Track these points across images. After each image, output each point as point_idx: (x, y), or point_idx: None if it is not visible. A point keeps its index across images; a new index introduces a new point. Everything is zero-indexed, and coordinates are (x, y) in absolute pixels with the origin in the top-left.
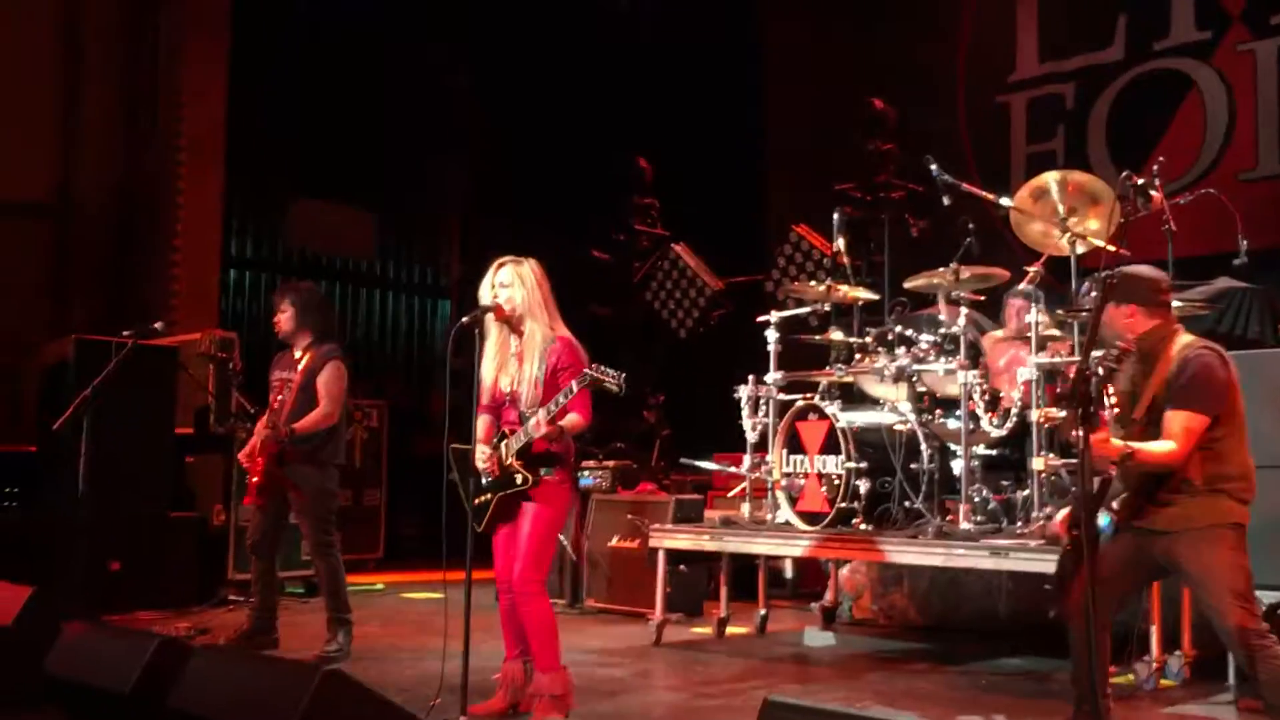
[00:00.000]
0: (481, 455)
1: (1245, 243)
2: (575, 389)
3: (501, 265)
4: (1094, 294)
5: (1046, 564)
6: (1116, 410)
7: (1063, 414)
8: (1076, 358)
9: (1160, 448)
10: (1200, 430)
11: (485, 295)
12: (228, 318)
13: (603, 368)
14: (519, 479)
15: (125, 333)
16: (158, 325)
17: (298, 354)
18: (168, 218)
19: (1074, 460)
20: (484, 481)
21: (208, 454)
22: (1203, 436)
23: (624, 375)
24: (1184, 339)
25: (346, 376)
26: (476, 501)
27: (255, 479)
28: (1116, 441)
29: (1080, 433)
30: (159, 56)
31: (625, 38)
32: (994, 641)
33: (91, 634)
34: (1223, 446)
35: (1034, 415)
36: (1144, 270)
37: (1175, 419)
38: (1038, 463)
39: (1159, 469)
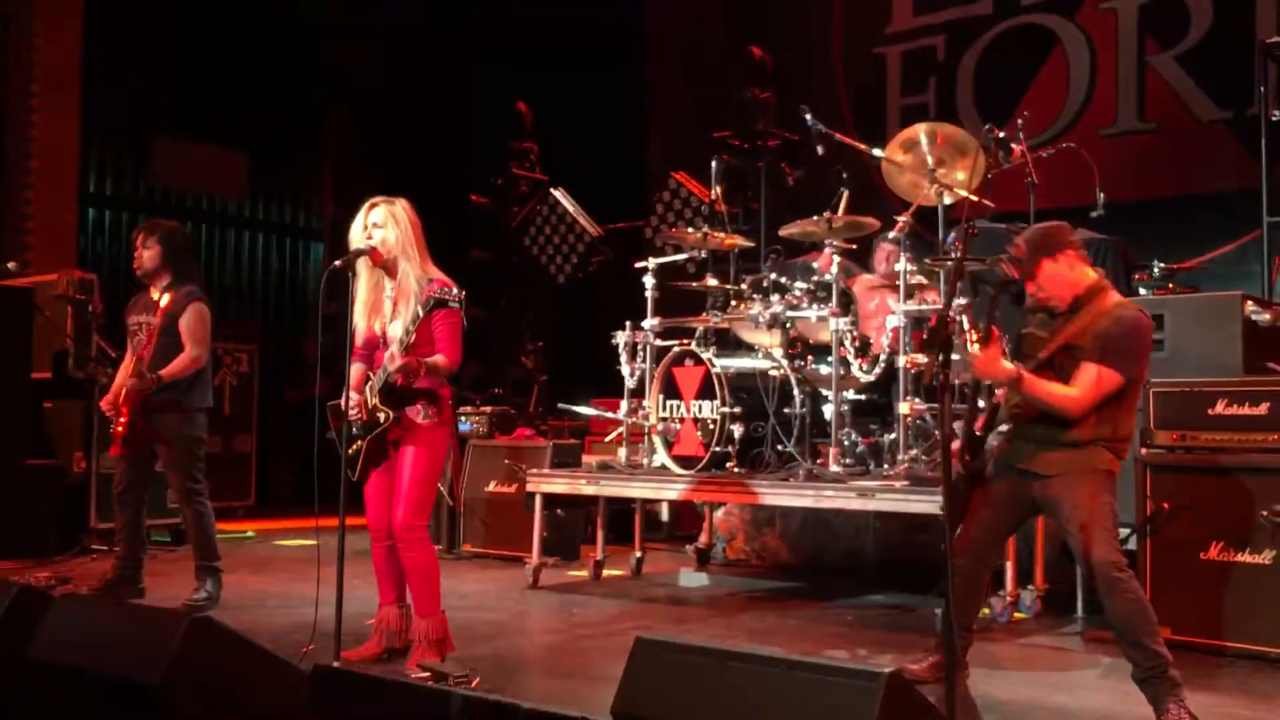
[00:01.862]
0: (351, 402)
1: (1102, 196)
2: (422, 314)
3: (374, 205)
4: (957, 243)
5: (911, 504)
6: (975, 344)
7: (926, 359)
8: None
9: (1063, 390)
10: (1110, 389)
11: (357, 235)
12: (87, 258)
13: (443, 289)
14: (381, 417)
15: None
16: (11, 265)
17: (155, 295)
18: (20, 152)
19: (937, 405)
20: (354, 430)
21: (67, 400)
22: (1106, 395)
23: (464, 294)
24: (1116, 296)
25: (210, 318)
26: (350, 450)
27: (120, 429)
28: (1007, 364)
29: (941, 377)
30: None
31: None
32: (861, 579)
33: None
34: (1117, 411)
35: (901, 361)
36: (1054, 223)
37: (1090, 370)
38: (903, 407)
39: (1052, 409)
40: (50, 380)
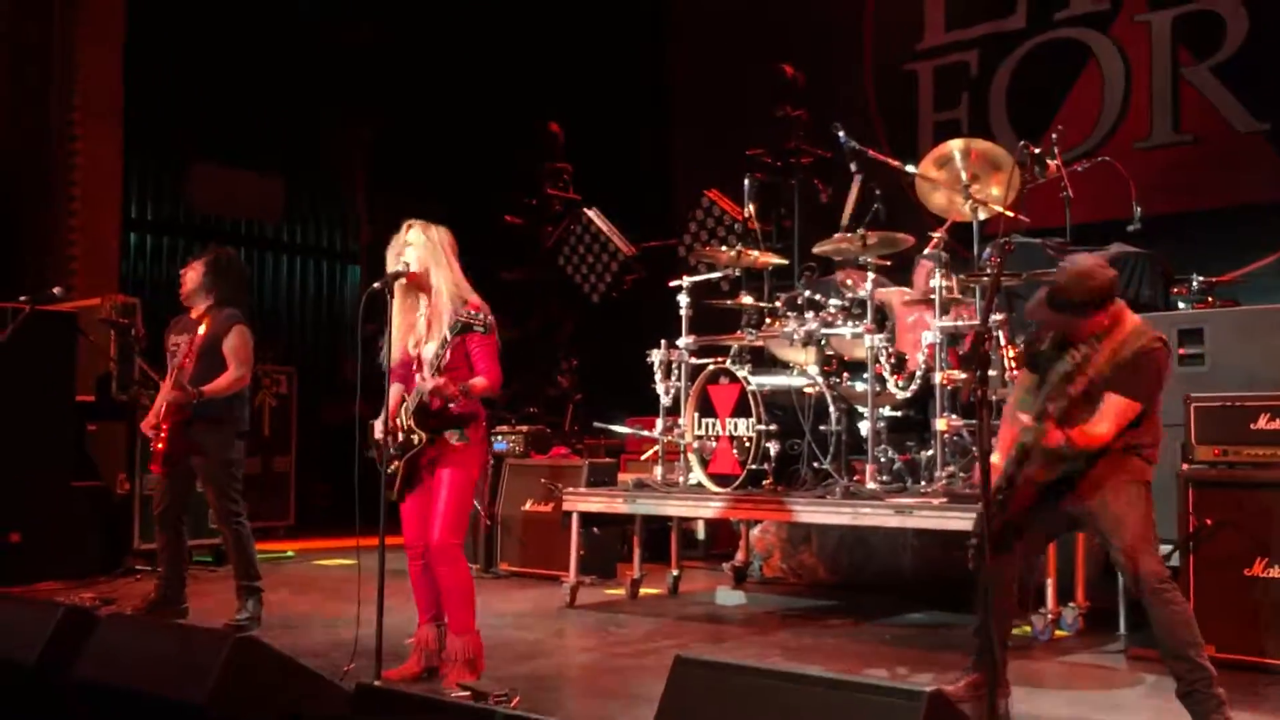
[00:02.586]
0: (379, 426)
1: (1139, 209)
2: (450, 337)
3: (410, 226)
4: (994, 259)
5: (949, 521)
6: (1014, 370)
7: (964, 375)
8: (977, 321)
9: (1093, 431)
10: (1132, 416)
11: (392, 256)
12: (128, 282)
13: (472, 313)
14: (414, 439)
15: (22, 298)
16: (56, 290)
17: (195, 316)
18: (63, 179)
19: (974, 421)
20: (391, 450)
21: (110, 422)
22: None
23: (490, 318)
24: (1133, 322)
25: (252, 340)
26: (388, 470)
27: (160, 446)
28: (1057, 432)
29: (979, 393)
30: (51, 7)
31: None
32: (899, 597)
33: None
34: (1142, 418)
35: (937, 378)
36: (1089, 267)
37: (1114, 402)
38: (940, 423)
39: (1092, 449)
40: (94, 403)
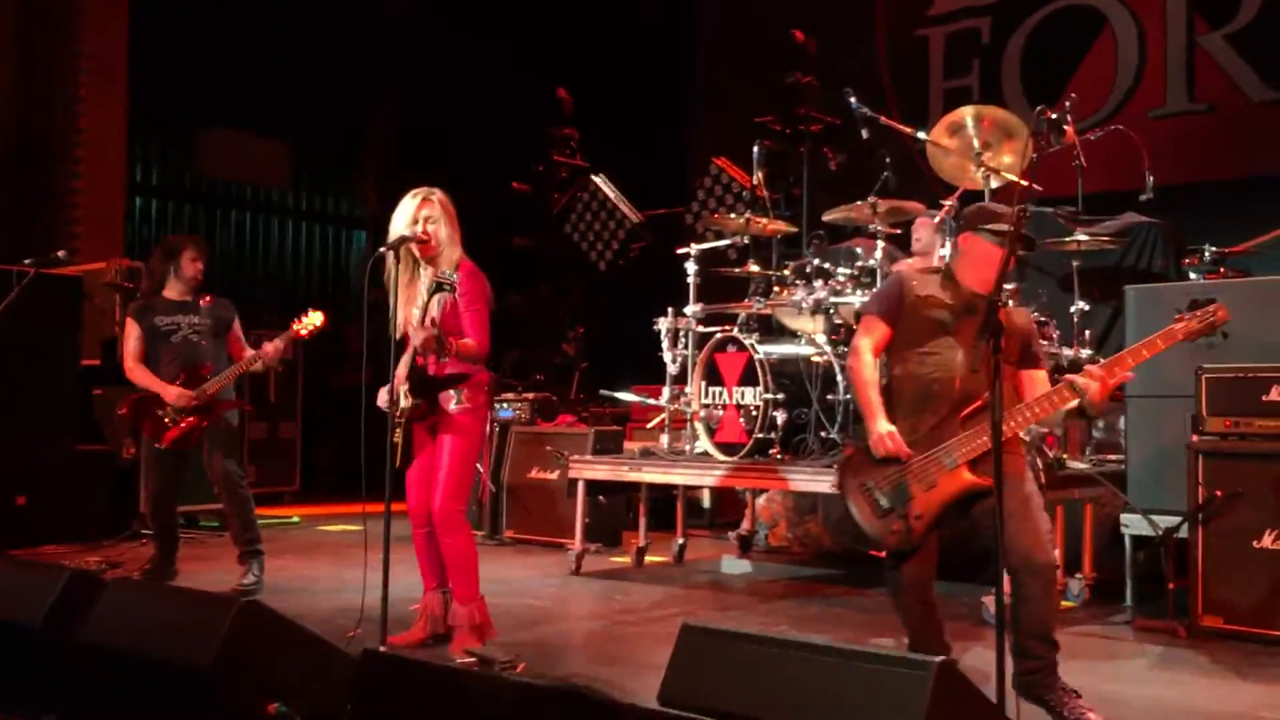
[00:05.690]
0: (384, 394)
1: (1152, 179)
2: (426, 298)
3: (425, 200)
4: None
5: None
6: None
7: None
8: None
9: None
10: None
11: (402, 227)
12: (134, 247)
13: (446, 271)
14: (406, 405)
15: (26, 261)
16: (60, 253)
17: (190, 297)
18: (68, 143)
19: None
20: (395, 419)
21: (116, 386)
22: None
23: (456, 277)
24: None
25: None
26: (393, 438)
27: (184, 426)
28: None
29: (993, 363)
30: None
31: None
32: None
33: None
34: None
35: None
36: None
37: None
38: None
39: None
40: (99, 367)
